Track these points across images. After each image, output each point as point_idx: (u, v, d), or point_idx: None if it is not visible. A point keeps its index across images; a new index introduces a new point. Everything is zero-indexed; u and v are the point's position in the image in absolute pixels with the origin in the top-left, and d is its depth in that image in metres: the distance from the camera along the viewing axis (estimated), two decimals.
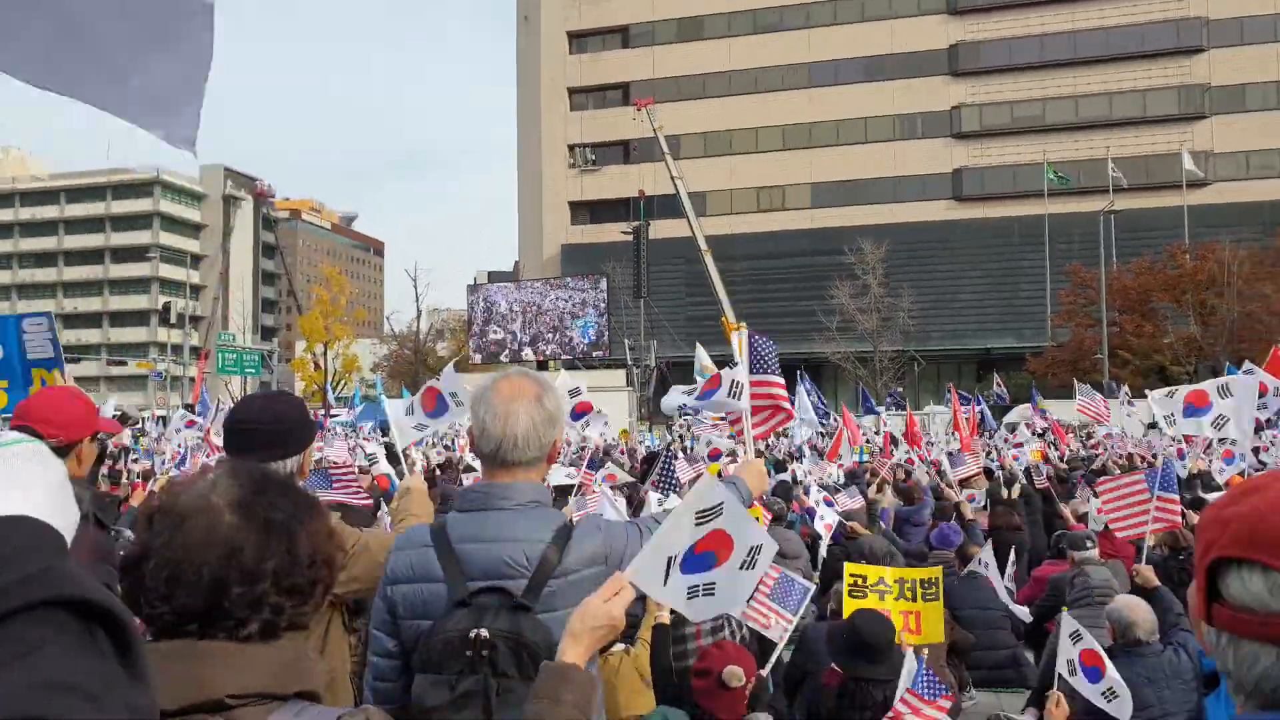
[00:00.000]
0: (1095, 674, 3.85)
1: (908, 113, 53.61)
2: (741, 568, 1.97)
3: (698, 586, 1.94)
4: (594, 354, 47.18)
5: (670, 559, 1.85)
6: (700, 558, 1.89)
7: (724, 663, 3.68)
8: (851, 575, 4.54)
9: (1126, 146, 48.78)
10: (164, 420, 26.16)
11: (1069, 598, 5.71)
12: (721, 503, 1.86)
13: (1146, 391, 12.11)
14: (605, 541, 2.09)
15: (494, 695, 1.85)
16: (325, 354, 59.28)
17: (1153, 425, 16.11)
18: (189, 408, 36.34)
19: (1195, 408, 6.59)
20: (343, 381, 58.34)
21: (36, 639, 0.83)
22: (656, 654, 4.01)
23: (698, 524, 1.86)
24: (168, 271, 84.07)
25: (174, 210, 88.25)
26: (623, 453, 21.15)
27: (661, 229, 48.27)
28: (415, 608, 2.04)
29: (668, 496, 6.24)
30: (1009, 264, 50.18)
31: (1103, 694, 3.84)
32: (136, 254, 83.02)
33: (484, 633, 1.87)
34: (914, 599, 4.50)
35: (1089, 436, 21.30)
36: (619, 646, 4.02)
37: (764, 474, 2.67)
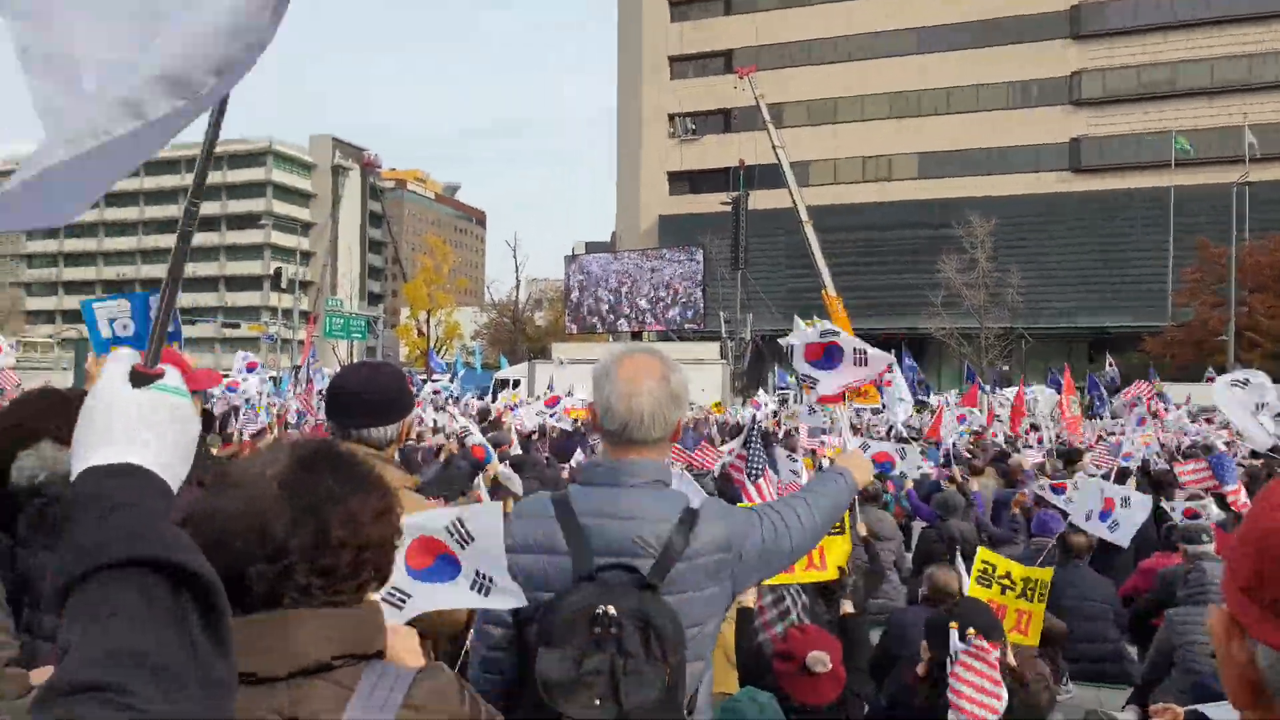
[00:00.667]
0: None
1: (1023, 79, 51.28)
2: None
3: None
4: (688, 326, 47.00)
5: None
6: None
7: (806, 648, 3.62)
8: (982, 562, 4.49)
9: (1265, 113, 45.59)
10: (275, 381, 27.27)
11: (1181, 593, 5.38)
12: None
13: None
14: (729, 529, 2.07)
15: (622, 674, 1.82)
16: (428, 321, 60.83)
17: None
18: (297, 370, 37.82)
19: None
20: (444, 348, 59.75)
21: (116, 600, 0.83)
22: (740, 635, 3.98)
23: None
24: (279, 239, 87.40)
25: (285, 179, 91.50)
26: (713, 429, 20.90)
27: (761, 200, 47.58)
28: (536, 579, 2.02)
29: (756, 479, 6.08)
30: (1127, 238, 47.72)
31: None
32: (250, 221, 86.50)
33: (612, 610, 1.85)
34: (1031, 599, 4.43)
35: (1210, 422, 20.09)
36: None
37: (869, 465, 2.60)
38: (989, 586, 4.44)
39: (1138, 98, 49.64)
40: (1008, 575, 4.42)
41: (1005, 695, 3.12)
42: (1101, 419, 20.67)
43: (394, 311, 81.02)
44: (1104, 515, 7.17)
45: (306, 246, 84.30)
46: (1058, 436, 16.31)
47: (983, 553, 4.55)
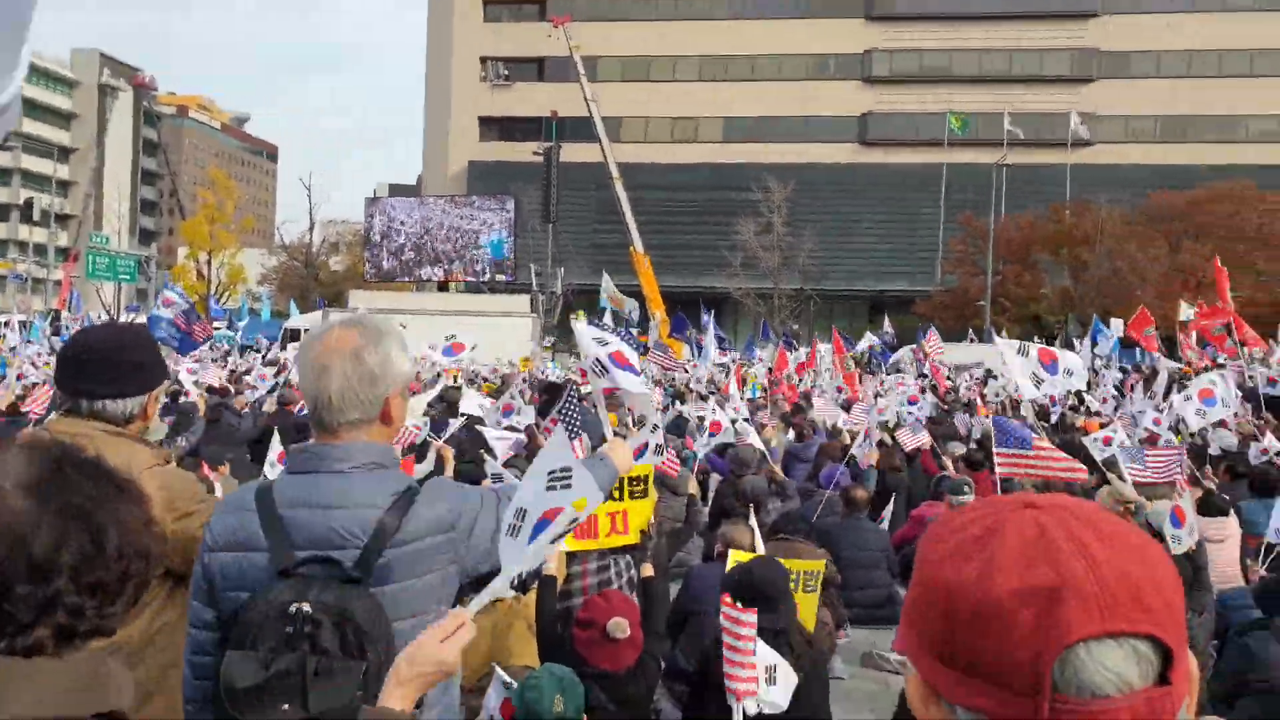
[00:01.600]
0: None
1: (822, 53, 54.23)
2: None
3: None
4: (498, 277, 46.77)
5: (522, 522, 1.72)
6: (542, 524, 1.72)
7: (608, 614, 3.58)
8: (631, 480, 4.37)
9: (1024, 102, 50.66)
10: (25, 325, 24.64)
11: None
12: (570, 468, 1.70)
13: (998, 340, 12.96)
14: (453, 507, 1.92)
15: (312, 675, 1.67)
16: (209, 263, 56.85)
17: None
18: (54, 314, 34.30)
19: (1047, 366, 7.26)
20: (227, 293, 56.30)
21: None
22: (541, 603, 3.93)
23: (548, 488, 1.68)
24: (31, 163, 78.17)
25: (39, 95, 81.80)
26: (523, 384, 21.01)
27: (573, 152, 47.82)
28: (233, 578, 1.86)
29: (573, 439, 6.11)
30: (906, 209, 51.88)
31: None
32: None
33: (306, 607, 1.70)
34: (796, 588, 4.41)
35: (972, 378, 22.49)
36: (510, 594, 3.90)
37: (628, 454, 2.49)
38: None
39: (918, 80, 53.77)
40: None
41: (765, 661, 3.10)
42: (876, 375, 22.67)
43: (169, 251, 75.32)
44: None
45: (65, 175, 75.80)
46: (839, 390, 17.85)
47: (735, 555, 4.47)
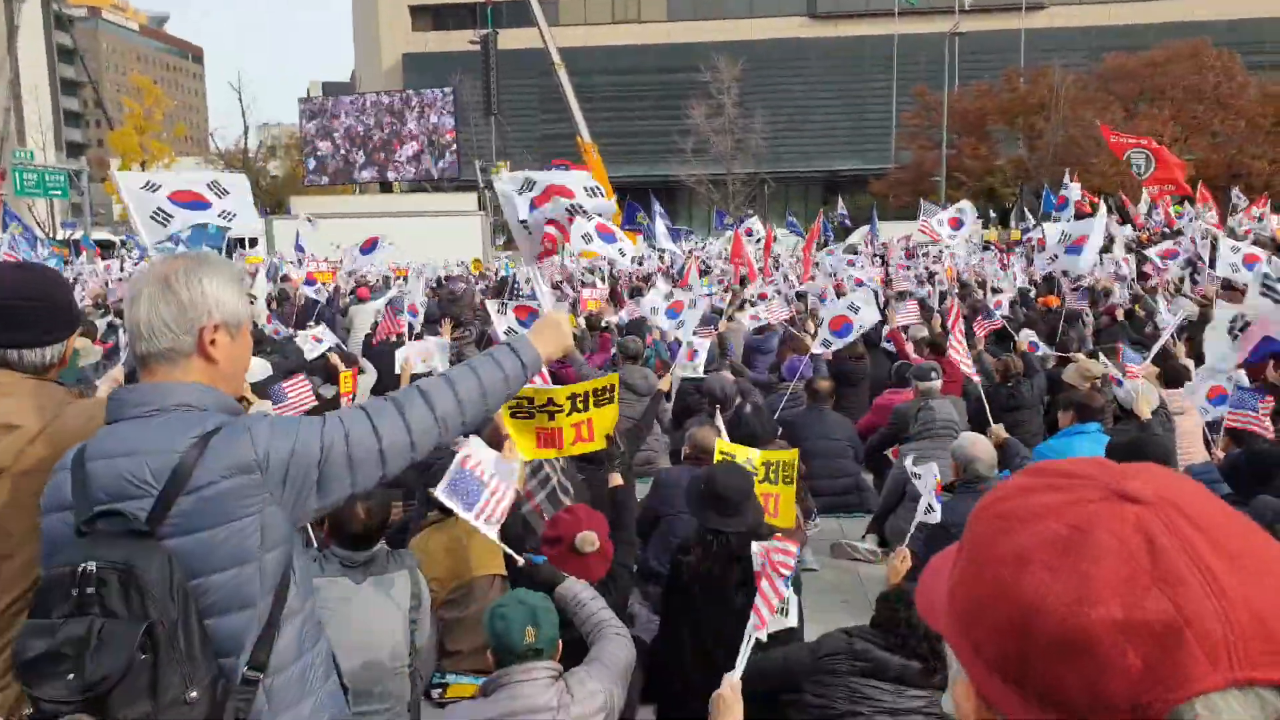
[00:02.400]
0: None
1: None
2: None
3: None
4: (444, 176, 45.40)
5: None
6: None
7: (575, 529, 3.57)
8: (721, 454, 4.43)
9: None
10: None
11: (913, 429, 6.03)
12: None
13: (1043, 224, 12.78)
14: (258, 445, 1.70)
15: (95, 639, 1.54)
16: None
17: (987, 247, 17.06)
18: None
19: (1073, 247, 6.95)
20: None
21: None
22: (506, 525, 3.81)
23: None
24: None
25: None
26: (473, 284, 20.49)
27: (512, 39, 45.88)
28: (52, 542, 1.74)
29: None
30: (858, 85, 50.73)
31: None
32: None
33: (91, 566, 1.58)
34: (775, 482, 4.43)
35: (928, 256, 22.29)
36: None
37: (562, 332, 2.18)
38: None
39: None
40: (748, 462, 4.35)
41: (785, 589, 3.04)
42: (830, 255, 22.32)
43: (100, 164, 71.96)
44: (845, 329, 8.02)
45: None
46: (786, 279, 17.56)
47: (720, 445, 4.51)
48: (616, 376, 4.60)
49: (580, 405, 4.02)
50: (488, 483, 3.56)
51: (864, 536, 5.95)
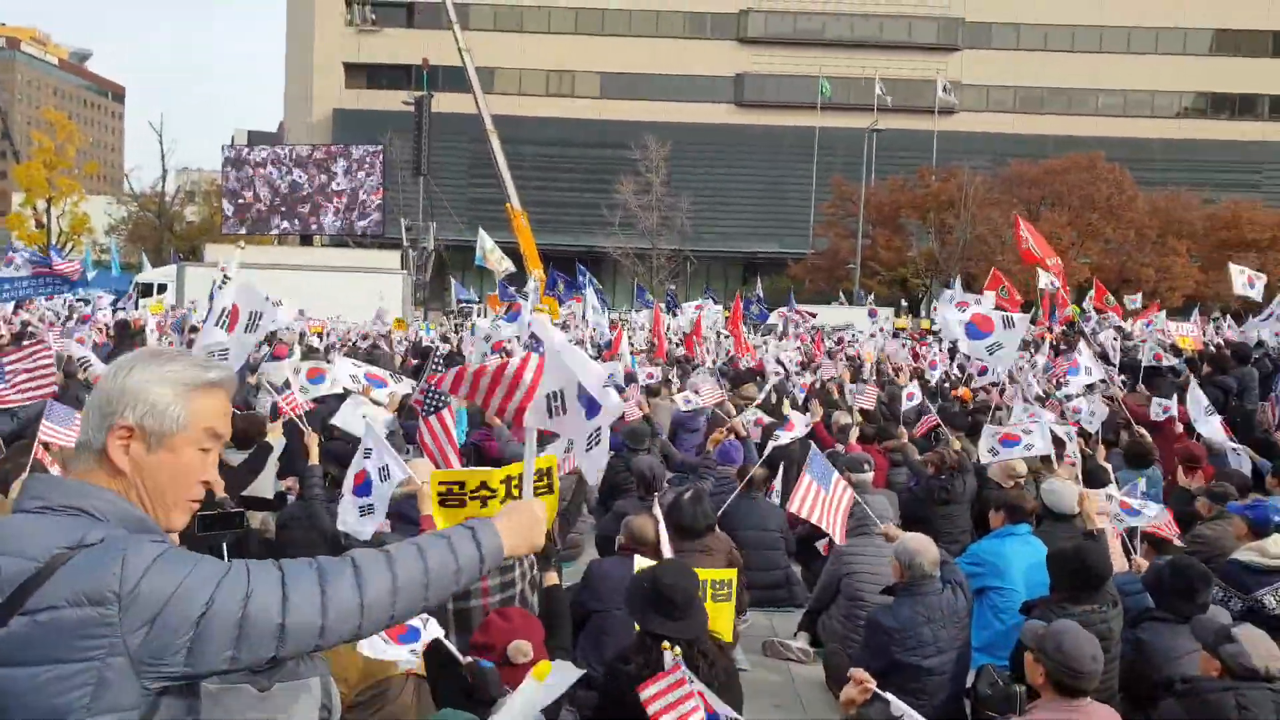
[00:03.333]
0: None
1: (699, 10, 53.99)
2: None
3: None
4: (368, 234, 45.00)
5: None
6: None
7: (508, 636, 3.24)
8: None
9: (892, 69, 51.90)
10: None
11: (849, 525, 5.88)
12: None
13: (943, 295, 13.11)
14: (128, 573, 1.39)
15: None
16: (49, 211, 52.77)
17: (897, 334, 17.77)
18: None
19: (978, 330, 7.21)
20: (70, 244, 52.43)
21: None
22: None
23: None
24: None
25: None
26: (390, 345, 20.04)
27: (445, 103, 46.22)
28: None
29: (435, 411, 5.60)
30: (780, 173, 52.62)
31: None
32: None
33: None
34: (706, 598, 4.09)
35: (839, 342, 23.00)
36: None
37: (540, 526, 1.90)
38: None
39: (792, 42, 54.29)
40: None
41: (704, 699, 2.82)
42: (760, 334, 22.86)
43: (3, 196, 69.31)
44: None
45: None
46: (728, 353, 17.88)
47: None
48: (553, 460, 4.28)
49: (515, 490, 3.62)
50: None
51: (795, 634, 5.81)
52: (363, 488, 4.49)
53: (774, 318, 29.44)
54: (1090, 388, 9.86)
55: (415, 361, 14.92)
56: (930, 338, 22.22)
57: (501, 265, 27.10)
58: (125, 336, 15.18)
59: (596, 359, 10.04)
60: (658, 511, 4.92)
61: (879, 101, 47.01)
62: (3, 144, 69.27)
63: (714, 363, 16.29)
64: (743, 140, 53.09)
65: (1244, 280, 14.48)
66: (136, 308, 28.22)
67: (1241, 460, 7.47)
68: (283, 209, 46.89)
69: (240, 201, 47.03)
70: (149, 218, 57.67)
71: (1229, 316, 18.63)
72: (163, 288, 33.86)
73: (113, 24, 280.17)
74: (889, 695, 3.18)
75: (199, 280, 29.75)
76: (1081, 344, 10.22)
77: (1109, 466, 7.27)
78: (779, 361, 15.37)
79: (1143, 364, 11.94)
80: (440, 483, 3.65)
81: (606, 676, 3.55)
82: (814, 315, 23.16)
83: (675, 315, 25.01)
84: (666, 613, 3.38)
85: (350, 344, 20.40)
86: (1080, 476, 6.79)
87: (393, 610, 1.55)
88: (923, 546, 4.58)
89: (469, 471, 3.83)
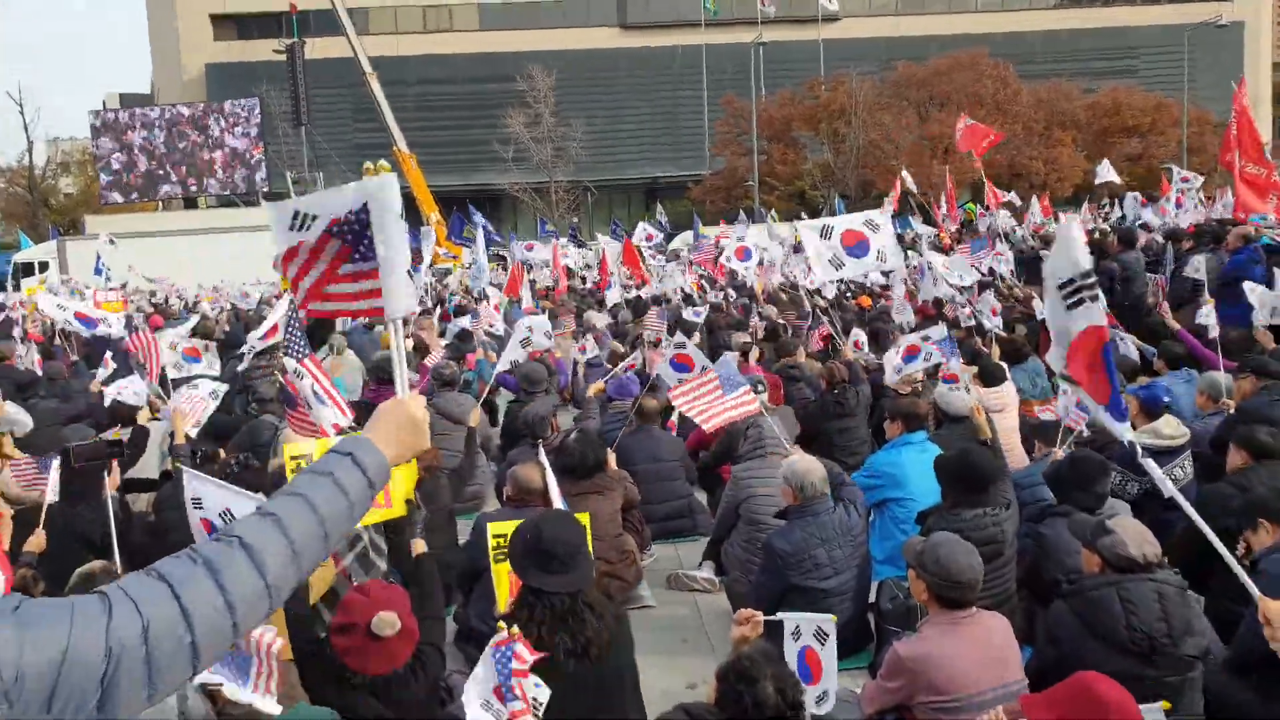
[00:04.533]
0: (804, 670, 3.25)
1: None
2: None
3: None
4: (253, 189, 43.19)
5: None
6: None
7: (370, 610, 3.07)
8: (495, 537, 4.01)
9: None
10: None
11: (743, 448, 5.95)
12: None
13: (796, 223, 13.12)
14: (4, 664, 1.14)
15: None
16: None
17: (798, 249, 17.82)
18: None
19: (851, 248, 7.18)
20: None
21: None
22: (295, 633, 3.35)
23: None
24: None
25: None
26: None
27: (321, 48, 44.09)
28: None
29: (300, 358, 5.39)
30: (671, 94, 51.94)
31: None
32: None
33: None
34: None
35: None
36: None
37: (421, 427, 1.76)
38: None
39: None
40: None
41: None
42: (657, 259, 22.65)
43: None
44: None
45: None
46: (626, 286, 17.76)
47: (493, 527, 4.07)
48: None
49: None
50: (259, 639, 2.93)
51: (700, 564, 5.76)
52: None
53: (677, 242, 29.39)
54: (984, 286, 10.02)
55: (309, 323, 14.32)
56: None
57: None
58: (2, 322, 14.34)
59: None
60: (544, 458, 4.78)
61: (762, 14, 46.51)
62: None
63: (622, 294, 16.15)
64: (631, 63, 52.11)
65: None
66: (18, 289, 26.66)
67: (1127, 347, 7.66)
68: (161, 173, 44.62)
69: (117, 169, 44.59)
70: (20, 193, 54.24)
71: (1120, 202, 19.13)
72: (44, 266, 32.16)
73: None
74: (781, 614, 3.27)
75: (81, 254, 28.25)
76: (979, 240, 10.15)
77: (1004, 365, 7.35)
78: (681, 290, 15.34)
79: (1026, 257, 12.18)
80: (291, 456, 3.53)
81: (495, 633, 3.40)
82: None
83: (581, 248, 24.66)
84: (547, 566, 3.26)
85: (238, 310, 19.65)
86: (977, 376, 6.91)
87: (299, 575, 1.41)
88: (810, 466, 4.55)
89: (322, 441, 3.77)
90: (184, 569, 1.30)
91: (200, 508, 3.56)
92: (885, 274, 11.72)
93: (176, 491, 5.11)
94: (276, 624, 3.23)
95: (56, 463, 4.55)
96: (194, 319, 13.54)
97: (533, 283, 17.28)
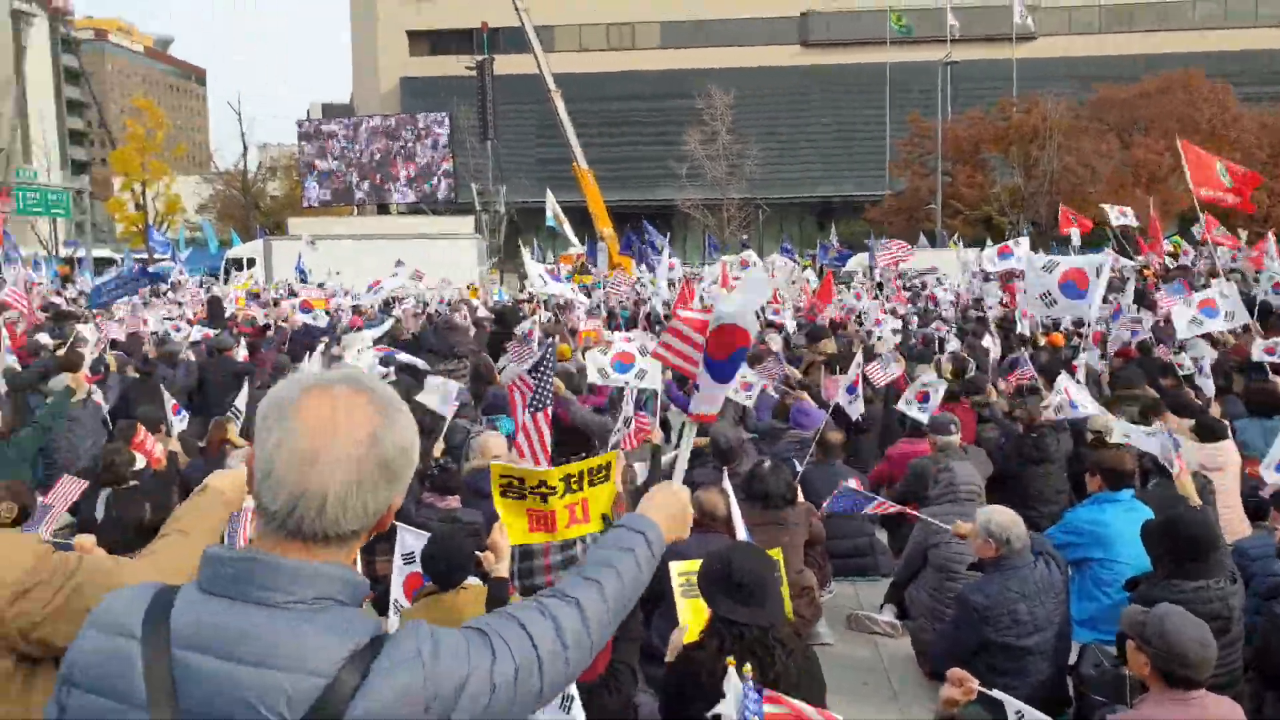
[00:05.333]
0: None
1: None
2: None
3: None
4: (439, 198, 45.41)
5: None
6: None
7: None
8: (680, 575, 3.94)
9: None
10: None
11: (933, 492, 5.61)
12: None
13: (1030, 254, 12.37)
14: (428, 682, 1.27)
15: None
16: (144, 193, 54.67)
17: (988, 278, 16.94)
18: None
19: (1077, 289, 6.77)
20: (165, 224, 54.32)
21: None
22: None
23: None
24: None
25: None
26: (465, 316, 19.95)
27: (508, 64, 46.05)
28: None
29: (537, 411, 5.52)
30: (851, 112, 51.04)
31: None
32: None
33: None
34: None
35: (924, 287, 22.14)
36: (473, 580, 3.74)
37: (688, 513, 1.92)
38: (698, 595, 3.69)
39: None
40: (543, 484, 3.73)
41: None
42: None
43: (104, 183, 71.90)
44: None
45: None
46: (799, 309, 17.39)
47: (676, 566, 3.98)
48: (614, 455, 4.12)
49: (575, 486, 3.60)
50: None
51: (881, 607, 5.57)
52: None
53: (852, 264, 28.65)
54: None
55: (493, 325, 14.83)
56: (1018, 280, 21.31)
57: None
58: (217, 314, 15.56)
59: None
60: (727, 485, 4.70)
61: (951, 32, 44.93)
62: (100, 132, 71.89)
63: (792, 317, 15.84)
64: (811, 82, 51.58)
65: None
66: (227, 282, 29.18)
67: None
68: (357, 179, 47.68)
69: (317, 174, 47.98)
70: (235, 195, 59.33)
71: None
72: (251, 262, 34.86)
73: (190, 8, 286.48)
74: (1001, 694, 2.98)
75: (285, 253, 30.40)
76: (1225, 285, 9.18)
77: (1225, 422, 6.57)
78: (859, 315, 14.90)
79: (1258, 300, 10.99)
80: (501, 475, 3.61)
81: (680, 660, 3.39)
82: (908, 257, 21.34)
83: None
84: (738, 598, 3.22)
85: (427, 313, 20.59)
86: (1192, 430, 6.28)
87: (604, 634, 1.55)
88: (1012, 519, 4.31)
89: (529, 470, 3.79)
90: (539, 624, 1.44)
91: (410, 562, 3.81)
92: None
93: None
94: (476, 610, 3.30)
95: None
96: (389, 321, 14.25)
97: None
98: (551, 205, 32.34)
